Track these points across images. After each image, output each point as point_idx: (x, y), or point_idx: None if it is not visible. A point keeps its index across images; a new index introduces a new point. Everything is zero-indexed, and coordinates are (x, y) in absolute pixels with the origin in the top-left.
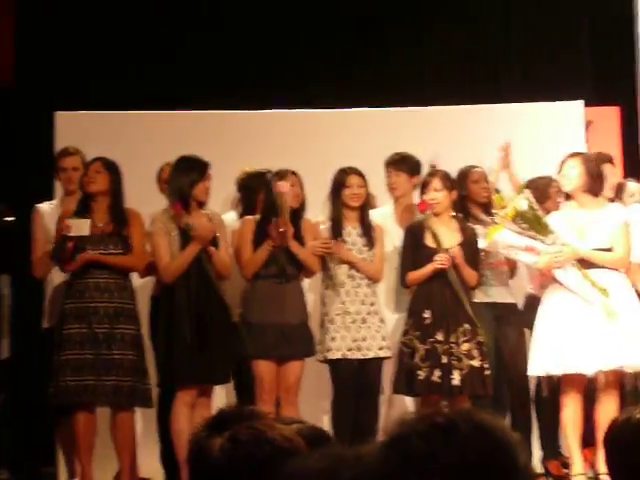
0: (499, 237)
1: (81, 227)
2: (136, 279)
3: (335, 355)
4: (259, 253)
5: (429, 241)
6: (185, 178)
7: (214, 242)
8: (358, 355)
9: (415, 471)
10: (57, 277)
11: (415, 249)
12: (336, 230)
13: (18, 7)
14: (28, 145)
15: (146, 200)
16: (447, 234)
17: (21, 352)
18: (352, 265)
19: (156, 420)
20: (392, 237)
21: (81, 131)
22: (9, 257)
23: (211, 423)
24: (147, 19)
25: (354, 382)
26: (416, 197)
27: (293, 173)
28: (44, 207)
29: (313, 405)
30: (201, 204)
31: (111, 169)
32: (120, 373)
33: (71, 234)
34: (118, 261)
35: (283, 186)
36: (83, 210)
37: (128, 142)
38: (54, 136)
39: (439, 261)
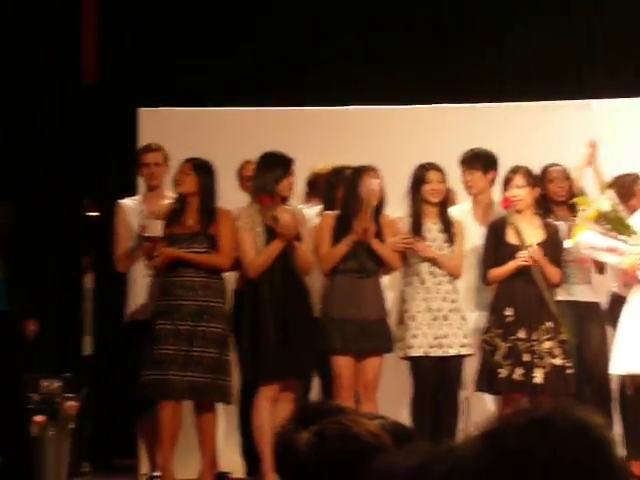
0: (582, 238)
1: (154, 227)
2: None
3: (417, 352)
4: (338, 248)
5: (511, 238)
6: (270, 174)
7: (297, 237)
8: (439, 352)
9: (510, 466)
10: (138, 273)
11: (497, 246)
12: (416, 226)
13: (101, 4)
14: (112, 141)
15: (226, 196)
16: (530, 231)
17: (104, 347)
18: (433, 262)
19: (238, 415)
20: (471, 234)
21: (164, 127)
22: (93, 252)
23: (297, 417)
24: (230, 15)
25: (434, 379)
26: (495, 193)
27: (374, 169)
28: (127, 203)
29: (391, 401)
30: (284, 200)
31: (200, 170)
32: (200, 370)
33: (146, 234)
34: (201, 259)
35: (375, 183)
36: (176, 209)
37: (210, 138)
38: (137, 132)
39: (522, 258)
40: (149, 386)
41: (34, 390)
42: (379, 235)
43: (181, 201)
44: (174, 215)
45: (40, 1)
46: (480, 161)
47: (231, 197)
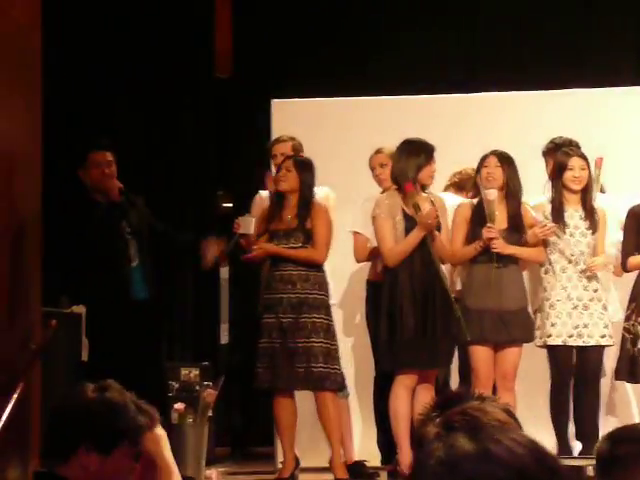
0: None
1: (247, 225)
2: (352, 263)
3: (555, 341)
4: (467, 250)
5: None
6: (412, 161)
7: (437, 227)
8: (579, 342)
9: None
10: None
11: (638, 232)
12: (558, 213)
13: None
14: (246, 133)
15: (353, 186)
16: None
17: (241, 336)
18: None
19: (373, 404)
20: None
21: (296, 118)
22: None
23: (428, 410)
24: (359, 5)
25: (572, 368)
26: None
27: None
28: (265, 194)
29: (529, 389)
30: (424, 188)
31: (301, 168)
32: (307, 359)
33: (240, 232)
34: (296, 254)
35: (491, 194)
36: (276, 205)
37: (342, 128)
38: (270, 124)
39: None
40: (261, 378)
41: (174, 378)
42: (517, 227)
43: (280, 197)
44: (274, 211)
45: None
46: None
47: (363, 188)
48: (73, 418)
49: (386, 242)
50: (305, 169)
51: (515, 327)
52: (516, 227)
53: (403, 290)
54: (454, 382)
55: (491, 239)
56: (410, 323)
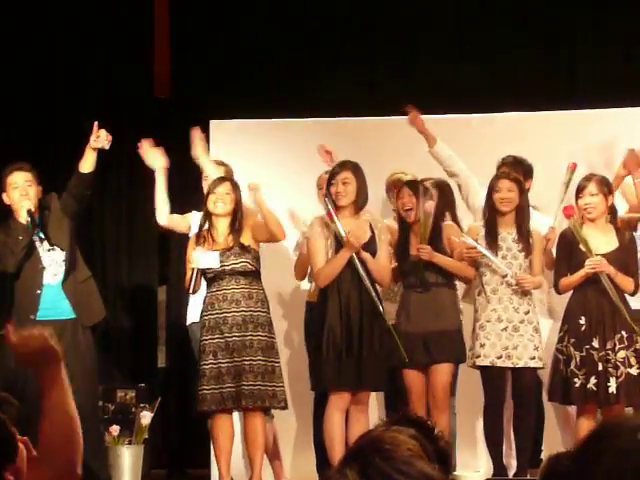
0: None
1: (210, 260)
2: (292, 285)
3: (483, 362)
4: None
5: (583, 247)
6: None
7: (373, 248)
8: (507, 363)
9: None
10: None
11: (569, 255)
12: (490, 236)
13: (171, 19)
14: (185, 153)
15: (291, 206)
16: (602, 239)
17: (177, 358)
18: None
19: (312, 425)
20: None
21: (235, 138)
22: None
23: (348, 455)
24: (297, 27)
25: (504, 389)
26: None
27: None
28: (198, 215)
29: (468, 411)
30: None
31: (237, 190)
32: (253, 377)
33: (200, 267)
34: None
35: (429, 205)
36: (208, 227)
37: (281, 149)
38: (209, 144)
39: (589, 266)
40: (207, 400)
41: (110, 400)
42: (441, 246)
43: (209, 218)
44: (203, 233)
45: (113, 18)
46: (521, 167)
47: (302, 208)
48: None
49: (317, 262)
50: (237, 192)
51: (444, 348)
52: (439, 248)
53: (332, 311)
54: None
55: (421, 248)
56: (337, 343)
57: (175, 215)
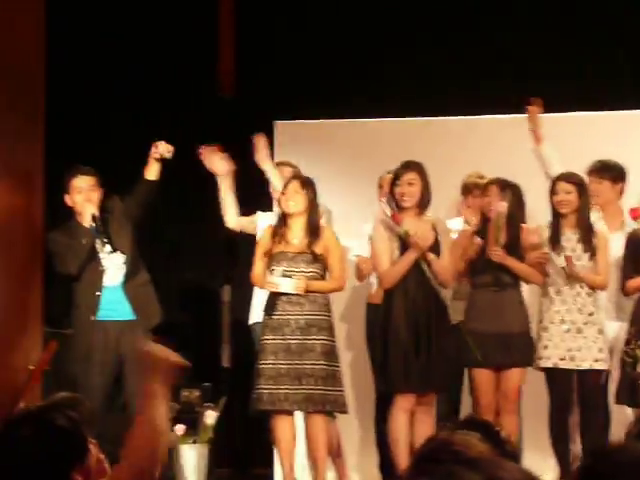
0: None
1: (288, 285)
2: (353, 285)
3: (546, 364)
4: (464, 259)
5: None
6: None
7: (436, 248)
8: (571, 365)
9: None
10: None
11: (636, 257)
12: (554, 237)
13: (237, 19)
14: (249, 154)
15: (355, 207)
16: None
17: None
18: (577, 279)
19: (374, 427)
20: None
21: (299, 139)
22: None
23: (417, 459)
24: (364, 27)
25: (570, 391)
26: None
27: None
28: (264, 216)
29: (534, 414)
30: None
31: (309, 188)
32: (314, 382)
33: (280, 290)
34: (321, 288)
35: (501, 206)
36: (282, 227)
37: (345, 150)
38: (273, 145)
39: None
40: (264, 400)
41: (175, 400)
42: (516, 249)
43: (284, 218)
44: (280, 233)
45: (178, 18)
46: (609, 172)
47: (365, 209)
48: None
49: (381, 264)
50: (312, 190)
51: (516, 350)
52: (514, 249)
53: (398, 312)
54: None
55: (493, 250)
56: (403, 344)
57: (243, 217)
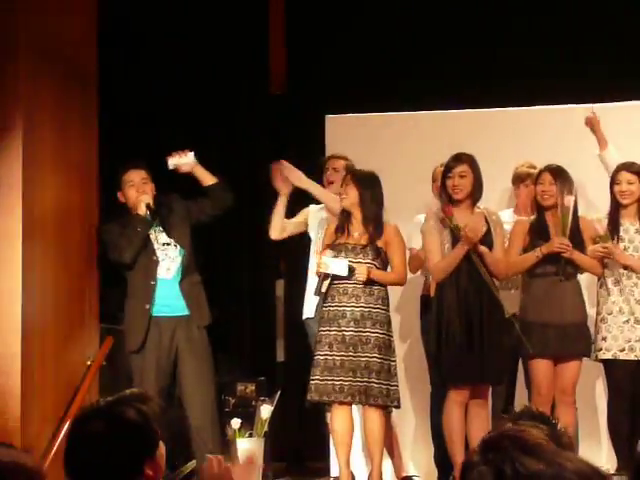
0: None
1: (339, 267)
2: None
3: (605, 355)
4: (528, 258)
5: None
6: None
7: (489, 241)
8: (631, 356)
9: None
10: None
11: None
12: (613, 227)
13: (287, 19)
14: (301, 149)
15: (406, 201)
16: None
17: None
18: (631, 269)
19: (429, 419)
20: None
21: (350, 133)
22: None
23: (481, 447)
24: (413, 20)
25: (630, 383)
26: None
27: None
28: (313, 209)
29: (589, 405)
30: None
31: (359, 183)
32: (368, 374)
33: (329, 272)
34: (384, 278)
35: (568, 200)
36: (345, 220)
37: (396, 143)
38: (325, 139)
39: None
40: (318, 390)
41: (231, 394)
42: (578, 239)
43: (346, 212)
44: (341, 226)
45: (229, 16)
46: None
47: (416, 203)
48: None
49: (432, 257)
50: (364, 184)
51: (577, 340)
52: (576, 241)
53: (450, 305)
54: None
55: (562, 245)
56: (456, 337)
57: (288, 222)
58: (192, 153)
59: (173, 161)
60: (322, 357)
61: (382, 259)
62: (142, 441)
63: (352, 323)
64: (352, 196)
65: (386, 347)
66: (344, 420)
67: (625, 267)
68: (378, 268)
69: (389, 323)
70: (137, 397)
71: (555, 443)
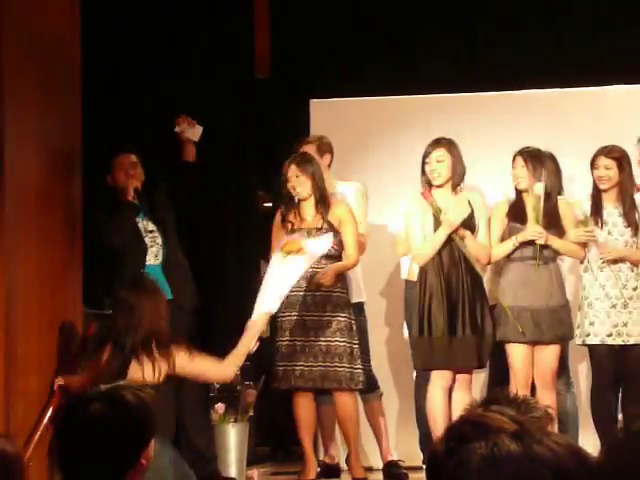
0: None
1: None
2: (391, 263)
3: (593, 340)
4: (504, 246)
5: None
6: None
7: (471, 224)
8: (618, 341)
9: None
10: None
11: None
12: (596, 210)
13: (271, 2)
14: (286, 133)
15: (392, 184)
16: None
17: None
18: (620, 260)
19: (414, 404)
20: None
21: (335, 117)
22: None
23: (444, 435)
24: (395, 4)
25: (614, 367)
26: None
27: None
28: (344, 184)
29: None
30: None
31: (305, 169)
32: (330, 359)
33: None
34: (341, 268)
35: (538, 187)
36: (293, 206)
37: (381, 127)
38: (310, 123)
39: None
40: (281, 378)
41: None
42: (555, 224)
43: (291, 200)
44: (287, 215)
45: (215, 3)
46: None
47: (403, 186)
48: None
49: (414, 241)
50: (311, 171)
51: (554, 325)
52: (553, 224)
53: (432, 289)
54: None
55: (535, 233)
56: (439, 322)
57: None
58: (201, 128)
59: (182, 127)
60: (284, 343)
61: (339, 240)
62: (142, 426)
63: (312, 307)
64: (307, 187)
65: (348, 330)
66: (306, 405)
67: (621, 260)
68: (336, 250)
69: (350, 306)
70: (133, 385)
71: (527, 427)
